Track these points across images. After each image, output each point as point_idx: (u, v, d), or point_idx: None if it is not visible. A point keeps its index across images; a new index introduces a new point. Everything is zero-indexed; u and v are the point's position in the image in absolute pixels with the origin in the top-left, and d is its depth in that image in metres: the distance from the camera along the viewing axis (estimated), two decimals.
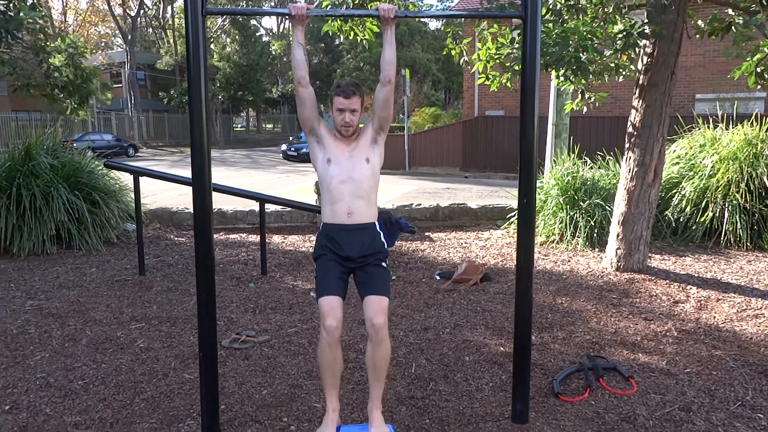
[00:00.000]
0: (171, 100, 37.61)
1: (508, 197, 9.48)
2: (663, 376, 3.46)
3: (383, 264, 2.71)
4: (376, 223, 2.77)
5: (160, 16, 44.46)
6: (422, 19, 34.62)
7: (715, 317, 4.50)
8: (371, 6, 5.81)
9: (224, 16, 39.06)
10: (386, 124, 2.75)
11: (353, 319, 4.32)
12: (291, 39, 2.71)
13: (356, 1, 5.82)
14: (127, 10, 39.41)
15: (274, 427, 2.93)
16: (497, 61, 6.03)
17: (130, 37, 38.10)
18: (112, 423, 2.98)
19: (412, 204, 8.63)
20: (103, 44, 45.41)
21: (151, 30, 47.66)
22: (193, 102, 2.61)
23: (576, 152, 7.90)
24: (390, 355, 2.67)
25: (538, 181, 7.65)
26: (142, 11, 41.13)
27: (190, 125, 2.63)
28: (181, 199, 10.57)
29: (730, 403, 3.14)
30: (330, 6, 5.89)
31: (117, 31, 41.25)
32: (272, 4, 46.44)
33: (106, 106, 34.53)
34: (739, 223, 6.51)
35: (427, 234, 7.74)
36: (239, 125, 54.01)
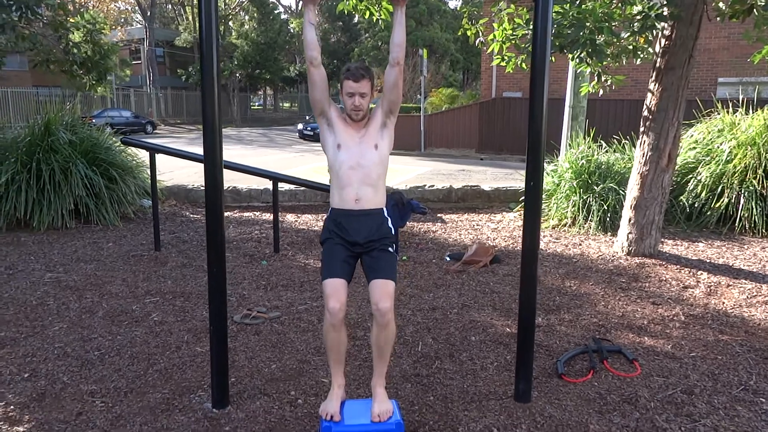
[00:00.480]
0: (189, 78, 37.69)
1: (522, 180, 9.44)
2: (667, 360, 3.48)
3: (390, 249, 2.73)
4: (384, 209, 2.77)
5: None
6: None
7: (724, 303, 4.49)
8: None
9: None
10: (396, 107, 2.73)
11: (362, 298, 4.38)
12: (302, 18, 2.73)
13: None
14: None
15: (282, 400, 3.01)
16: (513, 42, 5.99)
17: (149, 14, 38.15)
18: (126, 392, 3.08)
19: (425, 185, 8.65)
20: (122, 20, 45.54)
21: (170, 6, 47.65)
22: (205, 79, 2.65)
23: (592, 135, 7.83)
24: (395, 337, 2.72)
25: (552, 165, 7.65)
26: None
27: (202, 104, 2.67)
28: (197, 176, 10.68)
29: (733, 387, 3.16)
30: None
31: (136, 7, 41.30)
32: None
33: (125, 82, 34.82)
34: (754, 210, 6.44)
35: (439, 215, 7.76)
36: (256, 104, 54.11)
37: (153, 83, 37.58)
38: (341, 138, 2.69)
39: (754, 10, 5.09)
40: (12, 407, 2.92)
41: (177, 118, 37.87)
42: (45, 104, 7.54)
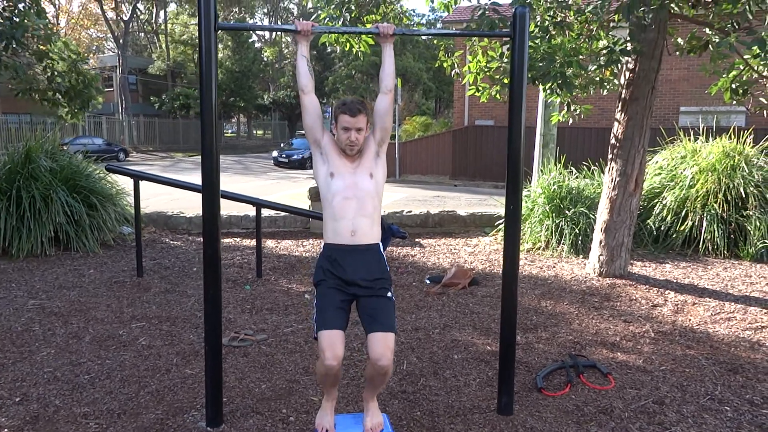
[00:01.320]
0: (162, 105, 37.66)
1: (496, 205, 9.71)
2: (639, 373, 3.68)
3: (389, 294, 2.64)
4: (380, 244, 2.69)
5: (153, 21, 44.55)
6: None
7: (690, 320, 4.74)
8: (368, 19, 6.03)
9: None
10: (387, 135, 2.75)
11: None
12: (296, 52, 2.89)
13: (353, 15, 6.04)
14: (120, 15, 39.45)
15: (274, 418, 3.10)
16: (487, 73, 6.27)
17: (122, 41, 38.13)
18: (120, 414, 3.14)
19: (402, 211, 8.83)
20: (94, 48, 45.39)
21: (143, 34, 47.71)
22: (205, 112, 2.80)
23: (562, 162, 8.15)
24: (390, 375, 2.69)
25: (525, 190, 7.92)
26: (134, 16, 41.20)
27: (201, 134, 2.82)
28: (173, 204, 10.70)
29: (700, 397, 3.37)
30: (327, 19, 6.11)
31: (109, 35, 41.27)
32: (266, 9, 46.70)
33: (97, 110, 34.54)
34: (716, 232, 6.78)
35: (417, 240, 7.94)
36: (230, 131, 54.13)
37: (125, 110, 37.38)
38: (334, 166, 2.63)
39: (710, 45, 5.47)
40: (6, 430, 2.96)
41: (149, 145, 37.64)
42: (14, 131, 7.54)
